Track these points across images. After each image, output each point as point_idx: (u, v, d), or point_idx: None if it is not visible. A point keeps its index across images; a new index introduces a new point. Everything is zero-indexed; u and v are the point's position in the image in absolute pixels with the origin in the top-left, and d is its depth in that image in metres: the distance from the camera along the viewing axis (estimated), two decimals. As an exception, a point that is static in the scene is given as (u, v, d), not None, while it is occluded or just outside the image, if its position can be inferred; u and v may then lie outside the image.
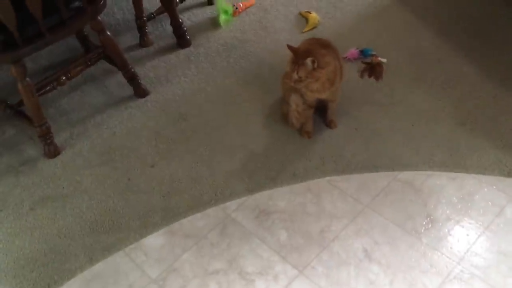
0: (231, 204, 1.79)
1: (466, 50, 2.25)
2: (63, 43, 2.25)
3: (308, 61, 1.73)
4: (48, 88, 2.03)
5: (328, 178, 1.85)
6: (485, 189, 1.73)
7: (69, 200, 1.86)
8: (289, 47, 1.78)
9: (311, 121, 1.97)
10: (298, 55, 1.76)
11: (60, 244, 1.73)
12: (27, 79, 1.87)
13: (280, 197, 1.81)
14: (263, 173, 1.88)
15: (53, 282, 1.62)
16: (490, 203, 1.69)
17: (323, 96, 1.88)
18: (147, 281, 1.61)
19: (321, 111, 2.01)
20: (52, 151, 2.00)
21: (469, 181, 1.77)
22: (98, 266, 1.66)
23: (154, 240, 1.71)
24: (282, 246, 1.66)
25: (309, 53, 1.75)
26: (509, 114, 1.96)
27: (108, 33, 2.05)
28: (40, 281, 1.63)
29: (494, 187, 1.73)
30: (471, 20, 2.39)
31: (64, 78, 2.05)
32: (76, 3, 1.87)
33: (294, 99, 1.89)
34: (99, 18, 1.98)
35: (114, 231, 1.75)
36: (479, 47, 2.26)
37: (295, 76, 1.76)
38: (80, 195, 1.87)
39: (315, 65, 1.74)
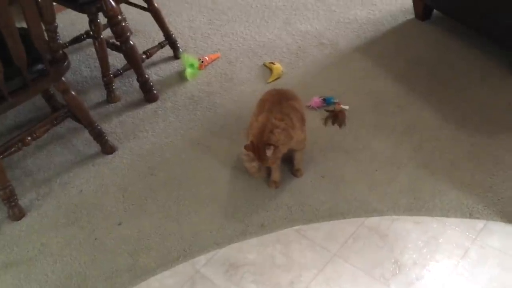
0: (200, 259, 1.78)
1: (424, 95, 2.33)
2: (29, 102, 2.25)
3: (268, 151, 1.79)
4: (13, 149, 2.01)
5: (296, 227, 1.86)
6: (449, 232, 1.76)
7: (34, 264, 1.82)
8: (246, 147, 1.83)
9: (278, 171, 2.00)
10: (255, 149, 1.82)
11: (24, 311, 1.68)
12: (-10, 142, 1.86)
13: (249, 249, 1.80)
14: (231, 226, 1.88)
15: None
16: (454, 245, 1.72)
17: (287, 148, 1.91)
18: None
19: (288, 160, 2.04)
20: (17, 214, 1.97)
21: (433, 224, 1.80)
22: (64, 333, 1.61)
23: (122, 302, 1.68)
24: (252, 301, 1.64)
25: (264, 141, 1.79)
26: (467, 157, 2.02)
27: (73, 92, 2.07)
28: None
29: (457, 229, 1.77)
30: (429, 65, 2.50)
31: (29, 138, 2.04)
32: (39, 66, 1.89)
33: (248, 164, 1.93)
34: (63, 78, 2.00)
35: (80, 295, 1.71)
36: (437, 92, 2.34)
37: (265, 164, 1.85)
38: (45, 258, 1.84)
39: (277, 144, 1.80)
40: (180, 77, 2.62)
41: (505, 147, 2.03)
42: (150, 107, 2.47)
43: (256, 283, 1.69)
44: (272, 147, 1.78)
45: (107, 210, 1.99)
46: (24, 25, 1.78)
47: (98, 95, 2.56)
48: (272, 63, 2.60)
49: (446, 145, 2.09)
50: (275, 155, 1.82)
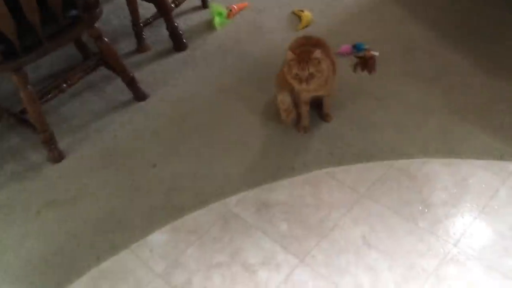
0: (232, 199, 1.84)
1: (456, 43, 2.29)
2: (62, 51, 2.31)
3: (317, 52, 1.76)
4: (49, 95, 2.09)
5: (325, 170, 1.89)
6: (479, 173, 1.77)
7: (75, 203, 1.91)
8: (292, 50, 1.81)
9: (307, 116, 2.02)
10: (302, 55, 1.79)
11: (68, 245, 1.78)
12: (29, 87, 1.92)
13: (280, 190, 1.85)
14: (262, 169, 1.93)
15: (62, 281, 1.67)
16: (484, 186, 1.73)
17: (320, 93, 1.92)
18: (153, 276, 1.65)
19: (317, 105, 2.05)
20: (57, 156, 2.06)
21: (463, 166, 1.81)
22: (105, 264, 1.70)
23: (159, 237, 1.76)
24: (283, 237, 1.70)
25: (311, 50, 1.78)
26: (498, 101, 2.00)
27: (106, 39, 2.10)
28: (50, 281, 1.68)
29: (488, 170, 1.78)
30: (461, 13, 2.44)
31: (64, 85, 2.11)
32: (73, 12, 1.92)
33: (281, 99, 1.93)
34: (96, 25, 2.04)
35: (119, 230, 1.80)
36: (469, 40, 2.30)
37: (305, 74, 1.78)
38: (85, 197, 1.93)
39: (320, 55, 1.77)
40: (209, 26, 2.63)
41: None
42: (180, 56, 2.50)
43: (287, 221, 1.75)
44: (320, 51, 1.76)
45: (142, 154, 2.06)
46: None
47: (129, 44, 2.59)
48: (301, 10, 2.58)
49: (477, 90, 2.07)
50: (317, 75, 1.79)
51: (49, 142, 2.03)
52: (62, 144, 2.12)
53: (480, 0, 2.48)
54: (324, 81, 1.87)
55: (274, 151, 1.99)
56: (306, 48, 1.83)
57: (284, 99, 1.95)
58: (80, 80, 2.18)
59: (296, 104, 1.98)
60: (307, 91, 1.89)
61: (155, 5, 2.42)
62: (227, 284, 1.60)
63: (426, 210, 1.70)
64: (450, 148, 1.88)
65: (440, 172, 1.81)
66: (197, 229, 1.76)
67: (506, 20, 2.35)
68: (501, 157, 1.81)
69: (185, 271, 1.65)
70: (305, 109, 1.99)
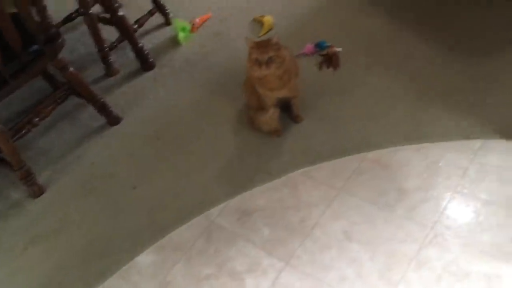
0: (213, 211, 1.87)
1: (415, 28, 2.34)
2: (31, 85, 2.32)
3: (275, 37, 1.80)
4: (23, 132, 2.09)
5: (301, 170, 1.93)
6: (448, 155, 1.82)
7: (60, 234, 1.93)
8: (249, 40, 1.84)
9: (278, 120, 2.05)
10: (261, 42, 1.83)
11: (57, 277, 1.80)
12: (1, 126, 1.94)
13: (259, 196, 1.88)
14: (239, 177, 1.96)
15: (55, 314, 1.69)
16: (454, 166, 1.78)
17: (283, 93, 1.96)
18: (144, 297, 1.68)
19: (287, 108, 2.09)
20: (36, 191, 2.07)
21: (433, 149, 1.85)
22: (96, 292, 1.73)
23: (146, 258, 1.78)
24: (266, 242, 1.73)
25: (270, 38, 1.83)
26: (462, 80, 2.05)
27: (72, 69, 2.12)
28: (43, 315, 1.70)
29: (456, 151, 1.82)
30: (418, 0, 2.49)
31: (37, 119, 2.12)
32: (34, 47, 1.94)
33: (270, 115, 1.98)
34: (60, 56, 2.05)
35: (106, 256, 1.82)
36: (428, 23, 2.35)
37: (265, 58, 1.79)
38: (69, 227, 1.95)
39: (279, 41, 1.81)
40: (174, 42, 2.66)
41: (498, 65, 2.05)
42: (148, 75, 2.52)
43: (269, 225, 1.78)
44: (277, 38, 1.81)
45: (121, 177, 2.08)
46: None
47: (97, 70, 2.61)
48: (262, 16, 2.62)
49: (441, 71, 2.12)
50: (278, 62, 1.81)
51: (27, 178, 2.05)
52: (42, 177, 2.14)
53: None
54: (287, 76, 1.89)
55: (249, 158, 2.02)
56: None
57: (273, 116, 1.98)
58: (52, 111, 2.19)
59: (262, 108, 2.01)
60: (270, 91, 1.91)
61: (117, 28, 2.44)
62: (216, 295, 1.63)
63: (402, 197, 1.74)
64: (419, 134, 1.92)
65: (412, 158, 1.85)
66: (182, 245, 1.79)
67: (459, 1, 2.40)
68: (468, 136, 1.85)
69: (175, 288, 1.68)
70: (275, 113, 2.02)
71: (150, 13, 2.67)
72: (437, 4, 2.42)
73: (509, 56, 2.08)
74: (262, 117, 2.01)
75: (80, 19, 2.78)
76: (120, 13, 2.35)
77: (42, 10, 1.95)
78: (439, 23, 2.33)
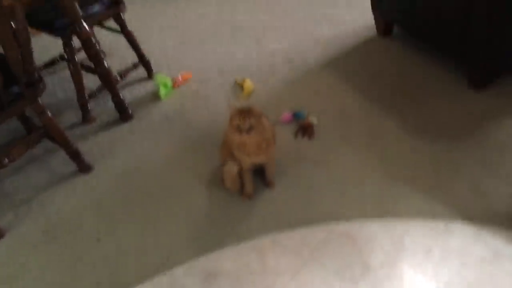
0: (179, 270, 1.84)
1: (387, 107, 2.46)
2: (4, 125, 2.30)
3: (258, 107, 1.85)
4: (-10, 171, 2.06)
5: (270, 235, 1.94)
6: (413, 233, 1.87)
7: (15, 283, 1.85)
8: (232, 106, 1.89)
9: (251, 183, 2.08)
10: (243, 109, 1.87)
11: (5, 329, 1.71)
12: (-32, 164, 1.90)
13: (226, 258, 1.87)
14: (208, 237, 1.95)
15: None
16: (419, 245, 1.83)
17: (260, 159, 2.00)
18: None
19: (260, 172, 2.12)
20: (-5, 235, 2.01)
21: (398, 226, 1.90)
22: None
23: (103, 315, 1.72)
24: (229, 307, 1.71)
25: (251, 106, 1.88)
26: (428, 163, 2.14)
27: (49, 113, 2.12)
28: None
29: (421, 229, 1.88)
30: (391, 79, 2.64)
31: (6, 160, 2.09)
32: (15, 88, 1.94)
33: (227, 169, 2.00)
34: (39, 100, 2.06)
35: (61, 310, 1.75)
36: (399, 104, 2.48)
37: (246, 125, 1.83)
38: (26, 276, 1.87)
39: (260, 110, 1.86)
40: (155, 96, 2.70)
41: (463, 153, 2.16)
42: (126, 126, 2.54)
43: (233, 290, 1.76)
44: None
45: (86, 228, 2.04)
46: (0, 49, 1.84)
47: (74, 116, 2.61)
48: (243, 80, 2.71)
49: (408, 152, 2.21)
50: (258, 129, 1.86)
51: (-12, 221, 1.98)
52: (3, 221, 2.07)
53: (408, 67, 2.69)
54: (266, 144, 1.94)
55: (219, 218, 2.02)
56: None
57: (231, 169, 2.01)
58: (23, 154, 2.16)
59: (240, 173, 2.05)
60: (248, 156, 1.95)
61: (100, 78, 2.47)
62: None
63: (366, 273, 1.76)
64: (386, 210, 1.98)
65: (378, 232, 1.89)
66: (143, 304, 1.74)
67: (432, 84, 2.55)
68: (433, 216, 1.92)
69: None
70: (248, 177, 2.05)
71: (134, 66, 2.73)
72: (410, 88, 2.56)
73: (473, 145, 2.19)
74: (224, 172, 2.03)
75: (62, 64, 2.82)
76: (105, 64, 2.38)
77: (28, 53, 1.97)
78: (410, 106, 2.46)
